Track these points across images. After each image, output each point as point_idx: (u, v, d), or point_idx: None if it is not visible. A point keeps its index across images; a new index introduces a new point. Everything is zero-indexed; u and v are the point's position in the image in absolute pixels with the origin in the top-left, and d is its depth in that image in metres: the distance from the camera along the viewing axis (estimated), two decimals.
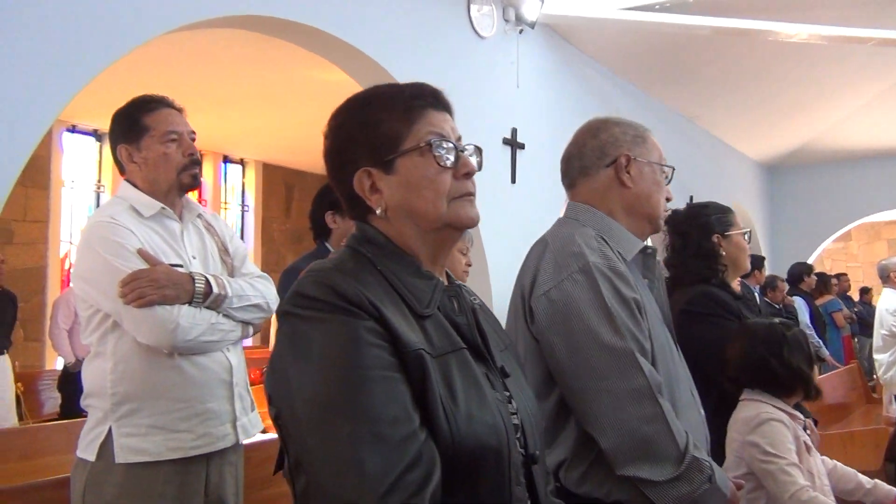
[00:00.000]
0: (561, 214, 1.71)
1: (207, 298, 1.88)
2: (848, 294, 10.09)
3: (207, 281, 1.90)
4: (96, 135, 8.41)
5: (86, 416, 1.99)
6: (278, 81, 7.16)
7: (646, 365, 1.39)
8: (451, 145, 1.11)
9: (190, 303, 1.86)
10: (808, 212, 12.95)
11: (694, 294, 2.25)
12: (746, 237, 2.44)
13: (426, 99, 1.14)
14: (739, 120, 10.79)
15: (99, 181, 8.48)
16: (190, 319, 1.84)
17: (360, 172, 1.11)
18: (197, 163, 2.05)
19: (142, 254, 1.86)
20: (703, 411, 1.64)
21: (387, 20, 5.23)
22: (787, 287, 6.96)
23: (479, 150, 1.17)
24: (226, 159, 9.97)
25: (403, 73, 5.37)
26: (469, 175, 1.13)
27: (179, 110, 2.07)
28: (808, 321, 6.75)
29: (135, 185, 2.02)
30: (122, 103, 2.06)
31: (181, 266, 1.93)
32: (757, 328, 2.12)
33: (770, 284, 6.53)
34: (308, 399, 0.96)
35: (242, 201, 10.28)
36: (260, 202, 10.37)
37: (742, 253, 2.41)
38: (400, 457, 0.92)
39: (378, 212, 1.11)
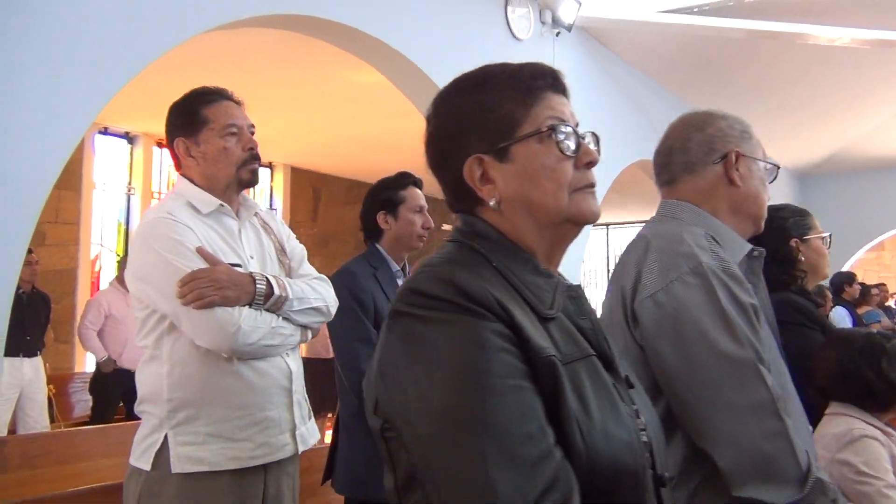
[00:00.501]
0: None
1: (268, 300, 1.79)
2: (886, 304, 9.86)
3: (268, 282, 1.80)
4: (128, 137, 8.39)
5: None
6: (308, 83, 7.09)
7: (767, 376, 1.27)
8: (571, 131, 1.01)
9: (251, 305, 1.77)
10: (841, 221, 12.67)
11: (774, 302, 2.12)
12: (826, 241, 2.30)
13: (546, 80, 1.03)
14: (772, 126, 10.60)
15: (129, 183, 8.46)
16: (251, 322, 1.74)
17: (471, 160, 1.00)
18: (257, 158, 1.96)
19: (201, 252, 1.77)
20: (810, 427, 1.52)
21: (424, 20, 5.15)
22: (831, 297, 6.77)
23: (596, 138, 1.06)
24: None
25: (440, 75, 5.29)
26: (591, 164, 1.02)
27: (238, 103, 1.98)
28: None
29: (192, 181, 1.94)
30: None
31: (240, 266, 1.84)
32: (853, 337, 1.99)
33: (819, 294, 6.33)
34: (429, 411, 0.85)
35: (270, 205, 10.24)
36: (287, 206, 10.32)
37: (822, 258, 2.28)
38: (535, 479, 0.81)
39: (491, 203, 0.99)
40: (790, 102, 9.88)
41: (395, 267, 2.51)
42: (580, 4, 6.87)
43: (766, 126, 10.35)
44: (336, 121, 8.16)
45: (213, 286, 1.70)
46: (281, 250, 2.03)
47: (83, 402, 6.48)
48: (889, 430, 1.95)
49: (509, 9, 6.17)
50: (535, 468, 0.81)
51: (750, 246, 1.53)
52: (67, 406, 6.52)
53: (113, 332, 5.82)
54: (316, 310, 1.90)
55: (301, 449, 1.90)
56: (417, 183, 2.53)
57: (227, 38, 5.85)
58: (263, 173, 10.16)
